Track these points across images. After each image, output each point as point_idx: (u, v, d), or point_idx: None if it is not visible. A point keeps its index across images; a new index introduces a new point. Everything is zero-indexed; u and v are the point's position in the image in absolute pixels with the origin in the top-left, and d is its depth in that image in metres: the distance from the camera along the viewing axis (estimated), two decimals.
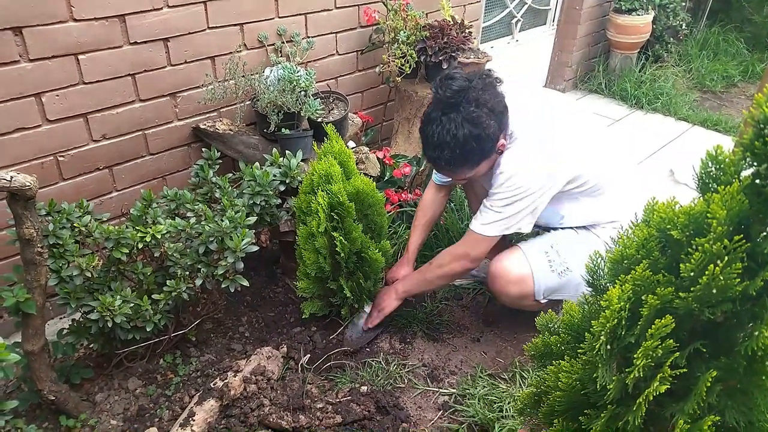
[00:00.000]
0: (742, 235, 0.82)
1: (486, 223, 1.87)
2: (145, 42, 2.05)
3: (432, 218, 2.27)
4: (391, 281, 2.20)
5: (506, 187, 1.80)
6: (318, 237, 1.94)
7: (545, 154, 1.79)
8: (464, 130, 1.69)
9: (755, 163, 0.83)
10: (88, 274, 1.66)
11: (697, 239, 0.85)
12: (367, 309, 2.18)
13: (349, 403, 1.84)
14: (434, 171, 2.22)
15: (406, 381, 2.00)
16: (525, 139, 1.80)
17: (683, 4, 4.66)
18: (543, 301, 1.99)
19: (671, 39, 4.66)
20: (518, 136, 1.81)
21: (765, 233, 0.83)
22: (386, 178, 2.65)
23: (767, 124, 0.77)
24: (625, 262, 0.96)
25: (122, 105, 2.08)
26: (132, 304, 1.70)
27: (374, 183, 2.07)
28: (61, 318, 2.13)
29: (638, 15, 4.25)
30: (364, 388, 1.92)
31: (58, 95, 1.91)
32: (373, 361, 2.06)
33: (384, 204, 2.14)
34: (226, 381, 1.80)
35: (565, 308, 1.15)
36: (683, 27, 4.62)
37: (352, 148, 2.45)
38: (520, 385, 1.98)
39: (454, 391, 1.98)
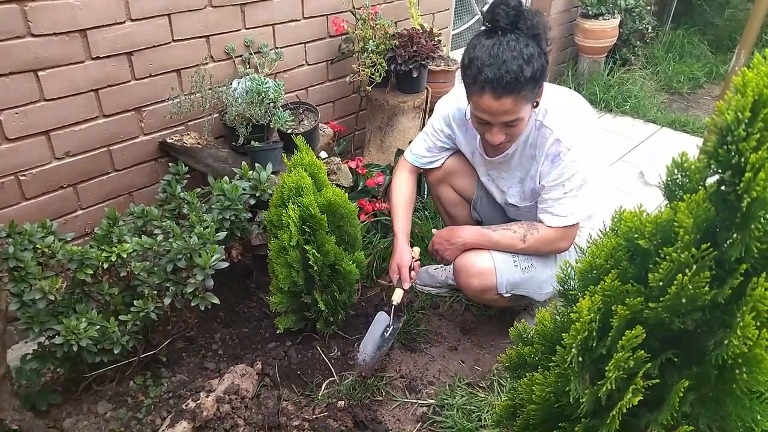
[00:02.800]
0: (709, 243, 0.82)
1: (571, 213, 1.84)
2: (108, 56, 2.00)
3: (411, 196, 2.19)
4: (395, 274, 2.05)
5: (573, 160, 1.77)
6: (290, 251, 1.91)
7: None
8: (530, 48, 1.58)
9: (719, 171, 0.83)
10: (52, 297, 1.60)
11: (664, 248, 0.84)
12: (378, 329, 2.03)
13: (326, 419, 1.81)
14: (410, 150, 2.16)
15: (384, 393, 1.98)
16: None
17: (648, 8, 4.74)
18: (506, 296, 1.99)
19: (638, 42, 4.74)
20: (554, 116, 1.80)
21: (731, 240, 0.83)
22: (359, 188, 2.63)
23: (729, 132, 0.77)
24: (594, 272, 0.96)
25: (85, 121, 2.03)
26: (98, 327, 1.65)
27: (346, 194, 2.05)
28: (25, 342, 2.06)
29: (605, 19, 4.31)
30: (341, 403, 1.89)
31: (17, 113, 1.86)
32: (350, 374, 2.03)
33: (357, 215, 2.12)
34: (198, 402, 1.75)
35: (538, 318, 1.14)
36: (649, 30, 4.70)
37: (324, 158, 2.43)
38: (498, 393, 1.97)
39: (433, 401, 1.96)
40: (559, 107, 1.81)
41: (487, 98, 1.63)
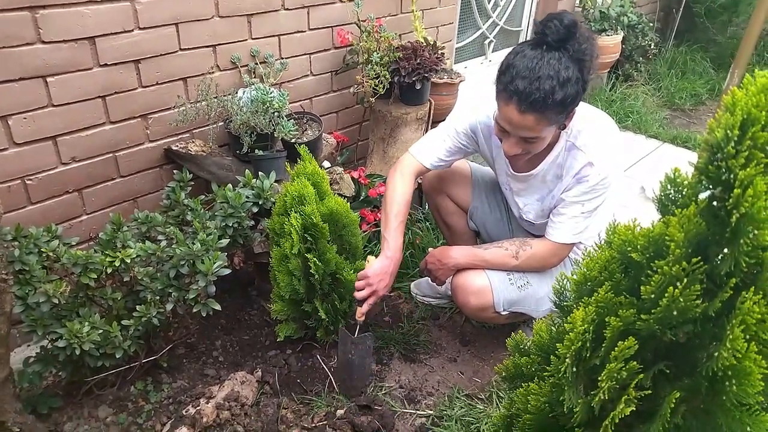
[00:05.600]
0: (700, 257, 0.84)
1: (577, 233, 1.85)
2: (116, 64, 2.03)
3: (409, 204, 2.02)
4: (382, 291, 1.92)
5: (600, 184, 1.76)
6: (292, 259, 1.93)
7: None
8: (569, 71, 1.55)
9: (710, 186, 0.85)
10: (56, 301, 1.62)
11: (656, 261, 0.86)
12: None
13: (325, 428, 1.82)
14: (424, 153, 2.01)
15: (383, 403, 1.99)
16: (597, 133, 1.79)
17: (651, 24, 4.79)
18: (504, 313, 2.00)
19: (640, 58, 4.77)
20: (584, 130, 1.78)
21: (722, 255, 0.85)
22: (362, 197, 2.65)
23: (720, 149, 0.80)
24: (589, 284, 0.97)
25: (92, 127, 2.06)
26: (101, 331, 1.67)
27: (348, 204, 2.07)
28: (28, 345, 2.08)
29: (608, 35, 4.35)
30: (340, 412, 1.90)
31: (25, 118, 1.89)
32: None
33: (359, 224, 2.14)
34: (198, 408, 1.76)
35: (535, 328, 1.16)
36: (652, 47, 4.74)
37: (327, 168, 2.46)
38: (497, 405, 1.98)
39: (432, 412, 1.97)
40: (592, 129, 1.78)
41: (511, 108, 1.63)
